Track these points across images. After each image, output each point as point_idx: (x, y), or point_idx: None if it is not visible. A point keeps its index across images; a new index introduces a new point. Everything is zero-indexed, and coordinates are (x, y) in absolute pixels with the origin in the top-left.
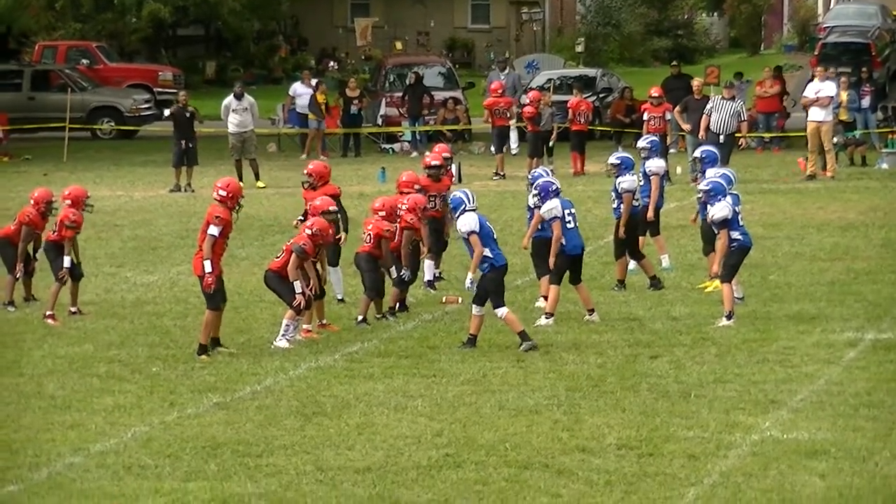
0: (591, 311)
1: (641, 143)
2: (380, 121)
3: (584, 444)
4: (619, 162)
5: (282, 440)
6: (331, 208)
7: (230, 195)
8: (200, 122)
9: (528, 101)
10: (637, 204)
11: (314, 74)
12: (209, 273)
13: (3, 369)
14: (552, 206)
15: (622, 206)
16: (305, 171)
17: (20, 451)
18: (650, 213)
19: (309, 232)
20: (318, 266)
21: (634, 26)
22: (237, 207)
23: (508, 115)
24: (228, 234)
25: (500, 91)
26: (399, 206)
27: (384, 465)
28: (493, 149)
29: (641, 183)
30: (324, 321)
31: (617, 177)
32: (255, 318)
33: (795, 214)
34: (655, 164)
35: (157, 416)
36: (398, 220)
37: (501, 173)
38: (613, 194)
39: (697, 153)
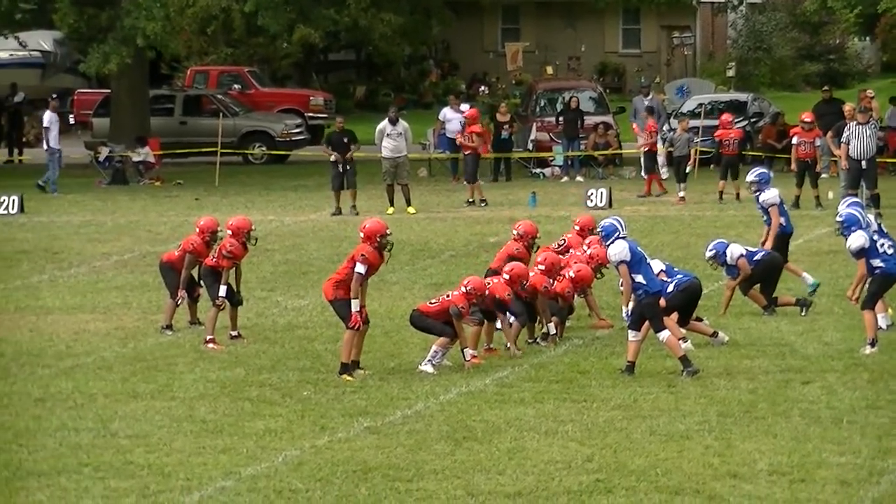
0: (684, 338)
1: (750, 177)
2: (530, 145)
3: (735, 469)
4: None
5: (432, 465)
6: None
7: (367, 235)
8: (357, 148)
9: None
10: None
11: (465, 99)
12: (356, 312)
13: (155, 393)
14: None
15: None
16: None
17: (172, 475)
18: (768, 243)
19: (464, 290)
20: None
21: (786, 51)
22: (388, 247)
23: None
24: (372, 273)
25: (475, 118)
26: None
27: (535, 490)
28: (466, 178)
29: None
30: (490, 345)
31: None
32: (405, 343)
33: None
34: (769, 196)
35: (307, 440)
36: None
37: (472, 200)
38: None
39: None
